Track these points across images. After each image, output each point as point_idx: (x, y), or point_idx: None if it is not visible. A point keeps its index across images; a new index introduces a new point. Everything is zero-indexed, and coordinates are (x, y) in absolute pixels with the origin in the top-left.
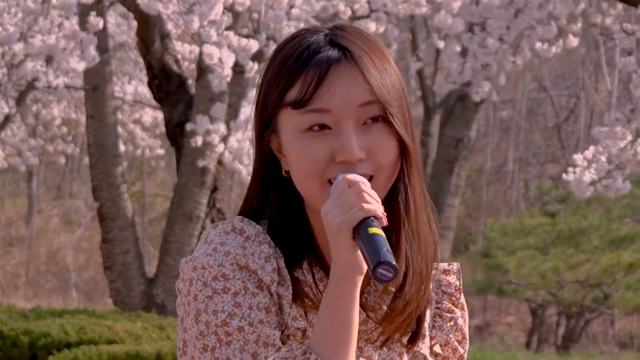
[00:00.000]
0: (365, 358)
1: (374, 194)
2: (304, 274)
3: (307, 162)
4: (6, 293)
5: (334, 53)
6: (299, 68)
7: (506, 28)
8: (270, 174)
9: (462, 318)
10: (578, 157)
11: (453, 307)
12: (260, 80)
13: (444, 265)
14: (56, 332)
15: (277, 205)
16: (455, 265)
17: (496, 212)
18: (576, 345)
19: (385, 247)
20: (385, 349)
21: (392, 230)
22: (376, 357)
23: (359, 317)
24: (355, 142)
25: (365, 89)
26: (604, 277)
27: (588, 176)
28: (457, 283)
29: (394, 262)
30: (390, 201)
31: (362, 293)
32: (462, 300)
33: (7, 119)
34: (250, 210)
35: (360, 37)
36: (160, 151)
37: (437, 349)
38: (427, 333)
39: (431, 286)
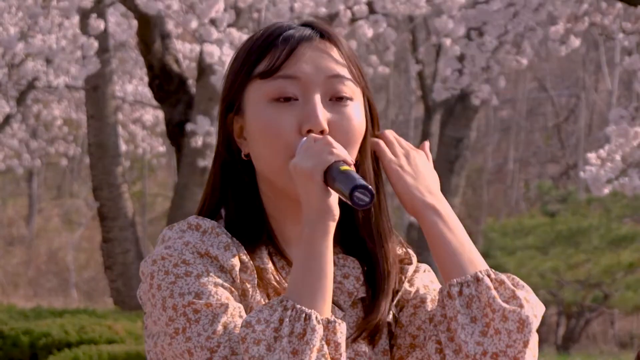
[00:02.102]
0: None
1: (342, 147)
2: (264, 261)
3: (273, 133)
4: (7, 292)
5: (306, 31)
6: (270, 43)
7: (504, 28)
8: (230, 156)
9: (413, 270)
10: (592, 156)
11: (406, 266)
12: (228, 68)
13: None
14: (56, 332)
15: (235, 190)
16: (410, 252)
17: (496, 212)
18: (576, 345)
19: (361, 177)
20: None
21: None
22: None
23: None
24: (320, 111)
25: (336, 62)
26: (603, 276)
27: (603, 174)
28: (401, 251)
29: (370, 187)
30: None
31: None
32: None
33: (8, 118)
34: (207, 209)
35: (332, 29)
36: (162, 148)
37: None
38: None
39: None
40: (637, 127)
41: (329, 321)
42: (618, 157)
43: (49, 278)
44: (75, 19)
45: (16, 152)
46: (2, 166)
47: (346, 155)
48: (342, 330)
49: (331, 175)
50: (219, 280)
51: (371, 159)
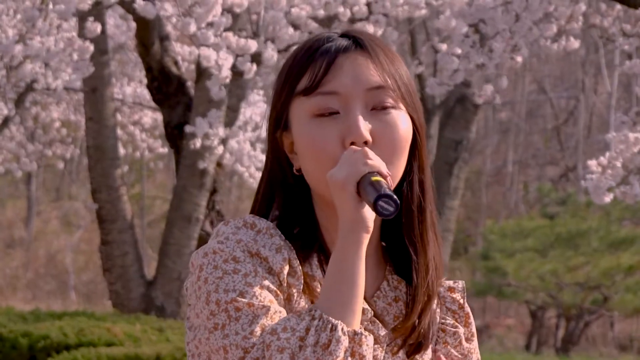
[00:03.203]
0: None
1: (379, 159)
2: (313, 269)
3: (318, 147)
4: (5, 295)
5: (343, 42)
6: (309, 58)
7: (509, 32)
8: (282, 170)
9: (465, 335)
10: (592, 163)
11: (456, 324)
12: (274, 84)
13: (449, 283)
14: (55, 334)
15: (287, 202)
16: (460, 284)
17: (495, 214)
18: (575, 347)
19: (388, 187)
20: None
21: (408, 230)
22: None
23: (367, 315)
24: (362, 123)
25: (374, 73)
26: (603, 279)
27: (604, 182)
28: (461, 301)
29: (395, 197)
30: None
31: (370, 297)
32: (467, 315)
33: (6, 121)
34: (261, 210)
35: (371, 36)
36: (163, 150)
37: None
38: (430, 345)
39: (436, 302)
40: (637, 132)
41: (355, 333)
42: (619, 164)
43: (47, 280)
44: (74, 20)
45: (15, 154)
46: (0, 169)
47: (381, 166)
48: (368, 343)
49: (362, 185)
50: (266, 282)
51: (421, 171)
